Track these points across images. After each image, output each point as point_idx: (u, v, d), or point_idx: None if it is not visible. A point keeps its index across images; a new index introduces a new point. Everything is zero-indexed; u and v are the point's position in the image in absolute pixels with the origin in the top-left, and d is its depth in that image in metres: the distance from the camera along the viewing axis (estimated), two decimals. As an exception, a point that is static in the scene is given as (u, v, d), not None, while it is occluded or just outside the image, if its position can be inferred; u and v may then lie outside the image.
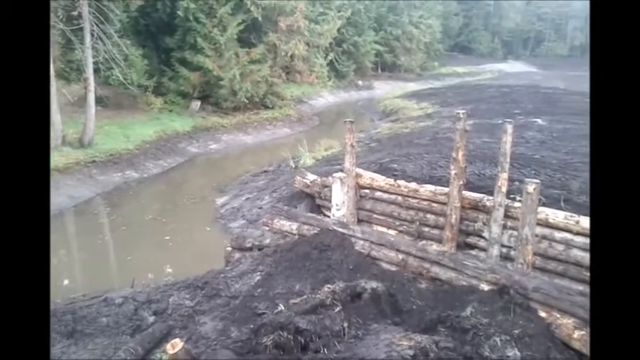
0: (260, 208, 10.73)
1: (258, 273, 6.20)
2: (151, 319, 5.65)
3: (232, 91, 22.18)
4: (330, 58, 35.58)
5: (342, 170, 8.36)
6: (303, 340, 4.33)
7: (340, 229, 6.68)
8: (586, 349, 4.40)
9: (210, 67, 21.53)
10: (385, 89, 38.52)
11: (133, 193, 14.02)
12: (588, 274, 5.91)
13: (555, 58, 64.93)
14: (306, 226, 7.10)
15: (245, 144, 20.77)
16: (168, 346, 3.73)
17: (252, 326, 4.81)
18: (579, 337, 4.44)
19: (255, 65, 23.50)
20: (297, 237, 7.06)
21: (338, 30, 35.35)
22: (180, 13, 21.26)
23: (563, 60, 63.41)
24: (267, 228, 7.69)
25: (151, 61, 21.79)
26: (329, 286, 5.08)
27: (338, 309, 4.71)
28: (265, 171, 14.60)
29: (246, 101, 22.75)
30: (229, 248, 7.56)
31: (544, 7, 71.24)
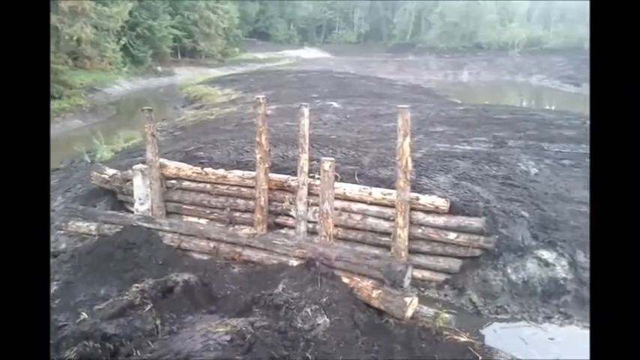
0: (52, 210, 9.57)
1: (55, 283, 5.57)
2: None
3: (7, 80, 19.25)
4: (123, 42, 33.14)
5: (144, 162, 7.92)
6: (112, 346, 4.04)
7: (146, 224, 6.36)
8: (384, 306, 4.96)
9: (-25, 53, 18.32)
10: (187, 75, 37.46)
11: None
12: (382, 238, 6.63)
13: (345, 45, 70.27)
14: (106, 225, 6.58)
15: (28, 140, 18.25)
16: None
17: (52, 342, 4.32)
18: (377, 295, 4.97)
19: (34, 50, 20.71)
20: (97, 238, 6.51)
21: (130, 13, 33.03)
22: None
23: (352, 46, 69.04)
24: (61, 232, 6.93)
25: None
26: (137, 285, 4.81)
27: (149, 307, 4.49)
28: (56, 169, 13.04)
29: (26, 91, 19.98)
30: (16, 260, 6.62)
31: (333, -5, 76.39)
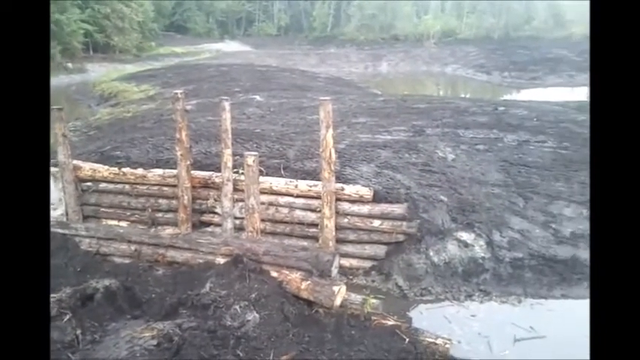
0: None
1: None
2: None
3: None
4: (27, 38, 30.93)
5: (55, 165, 7.46)
6: (27, 362, 3.80)
7: (60, 230, 6.00)
8: (313, 297, 5.00)
9: None
10: (100, 72, 35.59)
11: None
12: (310, 230, 6.68)
13: (266, 38, 69.62)
14: (17, 234, 6.15)
15: None
16: None
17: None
18: (306, 287, 5.00)
19: None
20: (6, 248, 6.07)
21: (33, 6, 30.82)
22: None
23: (272, 39, 68.55)
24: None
25: None
26: (54, 295, 4.54)
27: (67, 317, 4.26)
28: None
29: None
30: None
31: (250, -12, 75.29)
